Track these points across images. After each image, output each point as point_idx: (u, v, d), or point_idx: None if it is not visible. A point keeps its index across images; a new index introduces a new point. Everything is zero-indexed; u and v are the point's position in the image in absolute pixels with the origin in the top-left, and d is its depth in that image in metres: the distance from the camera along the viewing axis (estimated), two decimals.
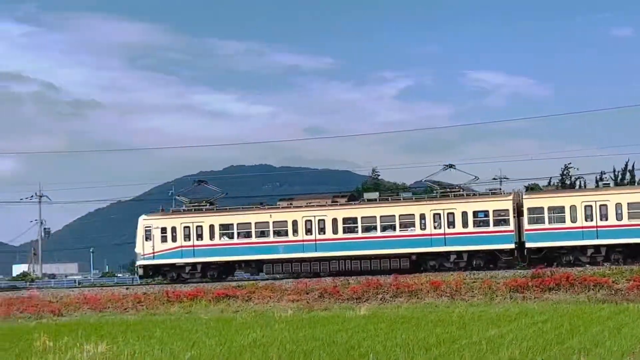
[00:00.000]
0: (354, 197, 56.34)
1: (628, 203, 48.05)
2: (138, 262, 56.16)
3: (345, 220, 52.27)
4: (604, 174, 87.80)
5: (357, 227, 52.04)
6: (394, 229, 51.63)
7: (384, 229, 51.77)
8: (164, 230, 54.50)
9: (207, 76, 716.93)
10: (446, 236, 50.38)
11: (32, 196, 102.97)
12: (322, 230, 52.43)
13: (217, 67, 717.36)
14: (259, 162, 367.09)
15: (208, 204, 56.76)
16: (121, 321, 35.71)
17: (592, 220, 48.19)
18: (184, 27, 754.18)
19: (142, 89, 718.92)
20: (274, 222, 53.22)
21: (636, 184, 79.54)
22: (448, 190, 53.34)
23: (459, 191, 52.68)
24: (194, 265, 54.63)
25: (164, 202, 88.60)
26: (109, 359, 19.23)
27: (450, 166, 56.08)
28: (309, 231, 52.59)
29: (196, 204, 56.82)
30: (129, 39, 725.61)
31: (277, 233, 53.09)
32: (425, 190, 63.90)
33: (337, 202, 54.02)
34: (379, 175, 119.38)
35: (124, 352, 20.28)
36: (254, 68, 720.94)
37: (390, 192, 73.49)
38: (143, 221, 55.70)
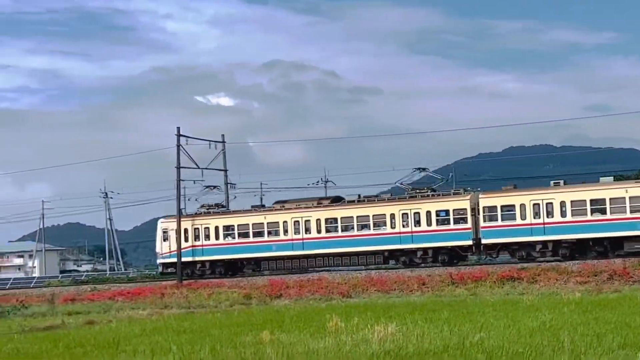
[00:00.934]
0: (339, 199, 60.58)
1: (571, 201, 50.65)
2: (158, 261, 62.98)
3: (327, 220, 57.18)
4: None
5: (337, 226, 56.94)
6: (369, 228, 56.03)
7: (360, 228, 56.35)
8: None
9: (484, 57, 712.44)
10: (413, 234, 54.55)
11: (317, 182, 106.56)
12: (308, 230, 57.36)
13: (493, 47, 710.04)
14: (539, 142, 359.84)
15: (217, 207, 63.50)
16: (407, 303, 36.17)
17: (539, 217, 51.36)
18: (460, 10, 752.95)
19: (420, 73, 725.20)
20: (267, 223, 58.79)
21: None
22: (417, 191, 56.95)
23: (426, 192, 56.52)
24: (203, 262, 60.62)
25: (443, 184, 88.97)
26: (398, 340, 19.54)
27: (423, 169, 61.42)
28: (297, 231, 57.61)
29: (207, 207, 62.94)
30: (406, 24, 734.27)
31: (271, 233, 58.59)
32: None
33: (322, 204, 59.06)
34: None
35: (414, 333, 20.53)
36: (531, 46, 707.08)
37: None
38: (161, 224, 62.90)
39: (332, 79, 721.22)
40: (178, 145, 61.92)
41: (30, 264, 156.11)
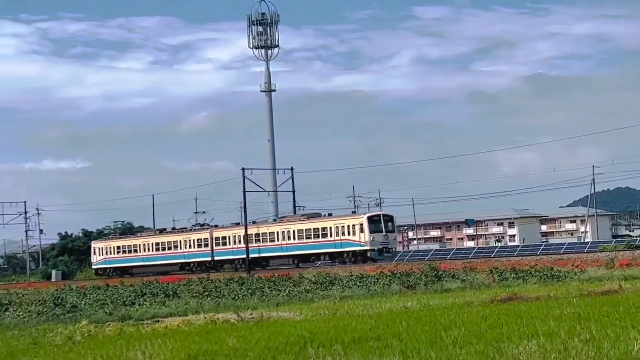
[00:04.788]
0: (163, 230, 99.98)
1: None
2: (93, 266, 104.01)
3: (156, 243, 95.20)
4: None
5: (159, 247, 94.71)
6: (172, 248, 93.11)
7: (169, 248, 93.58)
8: (100, 249, 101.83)
9: None
10: (189, 253, 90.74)
11: None
12: (149, 249, 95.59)
13: None
14: None
15: (118, 234, 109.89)
16: None
17: (236, 243, 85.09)
18: None
19: None
20: (132, 244, 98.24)
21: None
22: (198, 226, 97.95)
23: (197, 227, 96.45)
24: (110, 269, 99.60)
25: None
26: None
27: (203, 212, 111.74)
28: (145, 249, 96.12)
29: (115, 233, 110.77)
30: None
31: (136, 251, 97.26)
32: None
33: (155, 233, 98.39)
34: None
35: None
36: None
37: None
38: (93, 244, 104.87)
39: None
40: None
41: (582, 228, 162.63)
